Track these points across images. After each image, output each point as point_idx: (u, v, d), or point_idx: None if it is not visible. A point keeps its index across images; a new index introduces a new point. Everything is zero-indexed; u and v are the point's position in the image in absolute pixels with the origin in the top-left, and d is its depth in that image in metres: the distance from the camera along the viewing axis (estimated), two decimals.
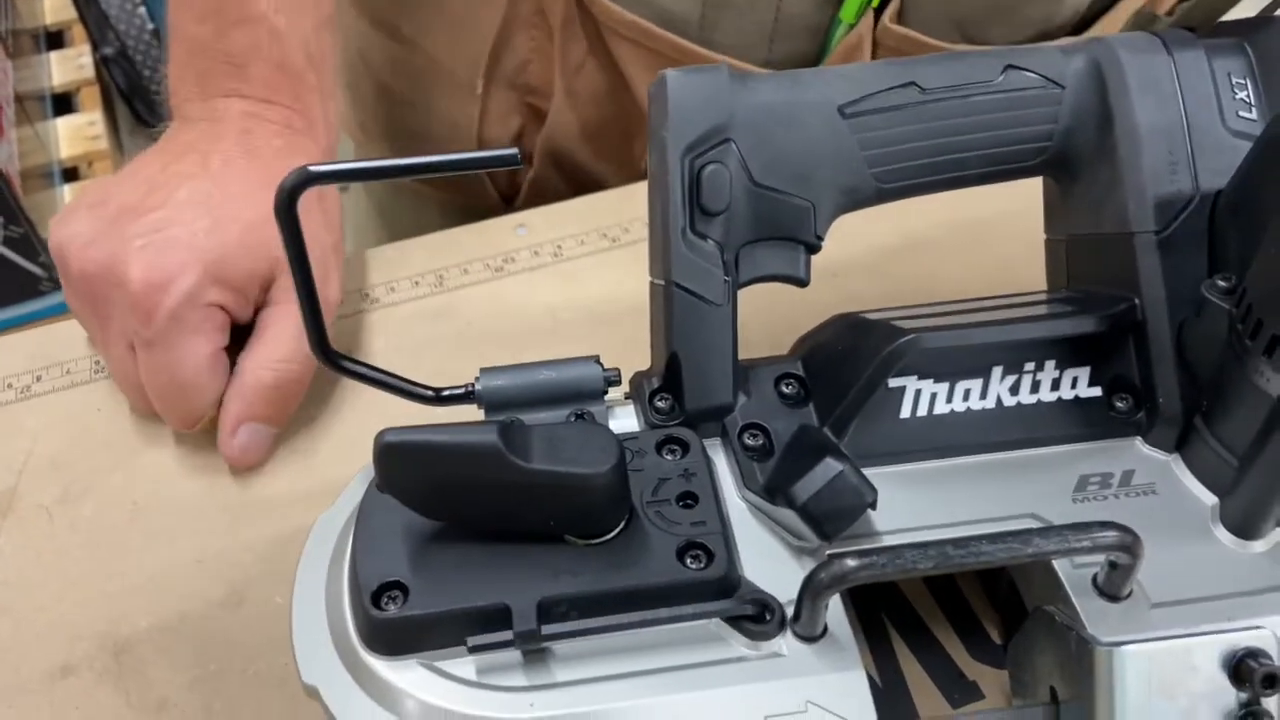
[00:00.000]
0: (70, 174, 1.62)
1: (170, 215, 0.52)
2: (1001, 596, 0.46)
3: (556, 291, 0.63)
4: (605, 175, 0.79)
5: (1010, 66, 0.44)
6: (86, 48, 1.77)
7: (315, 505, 0.43)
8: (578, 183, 0.79)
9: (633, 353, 0.47)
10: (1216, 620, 0.39)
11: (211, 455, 0.55)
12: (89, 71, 1.73)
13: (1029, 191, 0.49)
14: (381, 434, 0.36)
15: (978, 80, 0.44)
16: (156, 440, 0.56)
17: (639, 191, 0.69)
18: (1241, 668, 0.37)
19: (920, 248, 0.64)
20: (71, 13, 1.78)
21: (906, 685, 0.46)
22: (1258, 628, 0.38)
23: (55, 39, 1.79)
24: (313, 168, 0.35)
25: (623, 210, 0.68)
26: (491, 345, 0.61)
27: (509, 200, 0.82)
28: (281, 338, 0.54)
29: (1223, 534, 0.42)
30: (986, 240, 0.64)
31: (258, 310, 0.55)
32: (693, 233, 0.43)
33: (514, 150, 0.36)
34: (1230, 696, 0.38)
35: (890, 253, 0.64)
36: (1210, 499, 0.42)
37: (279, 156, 0.56)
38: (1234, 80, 0.44)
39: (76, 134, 1.65)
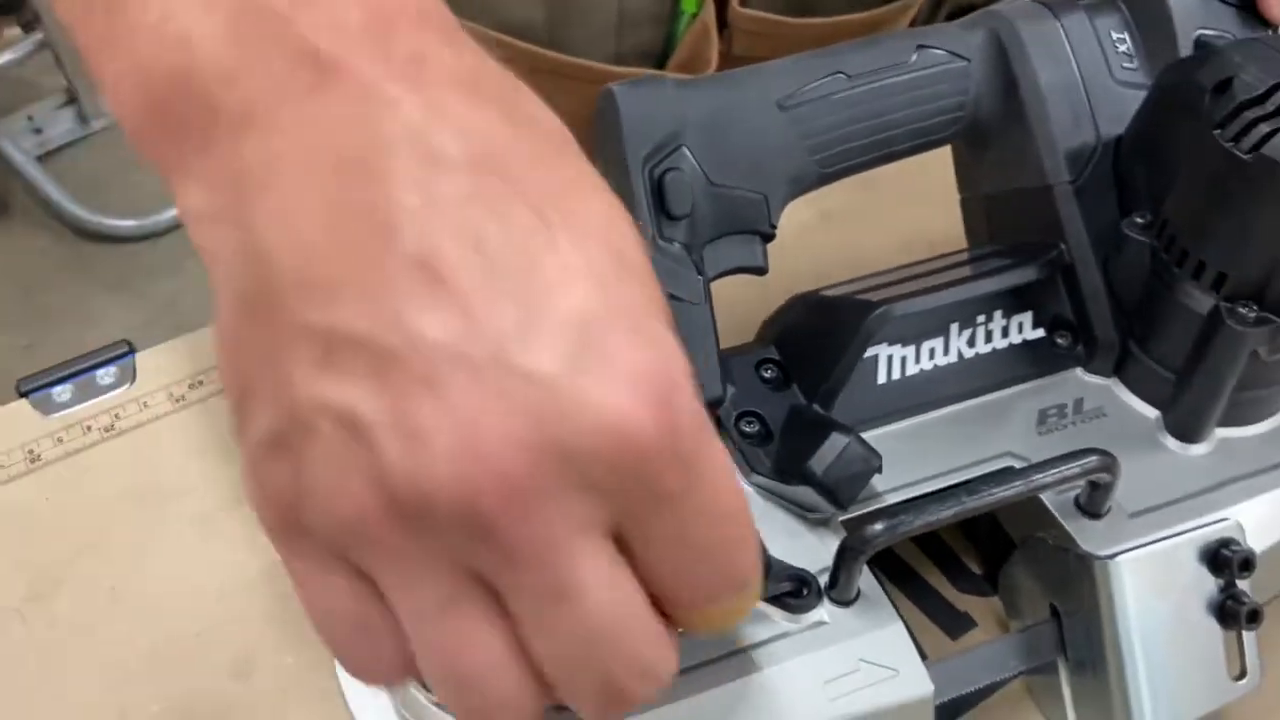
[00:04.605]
0: None
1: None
2: (982, 532, 0.50)
3: None
4: None
5: (921, 46, 0.48)
6: None
7: None
8: None
9: None
10: (1187, 519, 0.43)
11: (182, 524, 0.54)
12: None
13: (931, 157, 0.53)
14: None
15: (895, 63, 0.47)
16: (116, 520, 0.54)
17: None
18: (1218, 557, 0.42)
19: (833, 220, 0.67)
20: None
21: (909, 627, 0.49)
22: (1223, 520, 0.43)
23: None
24: None
25: None
26: None
27: None
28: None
29: (1170, 442, 0.46)
30: (896, 206, 0.67)
31: None
32: (661, 239, 0.45)
33: None
34: (1211, 584, 0.42)
35: (808, 229, 0.66)
36: (1152, 413, 0.47)
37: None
38: (1114, 36, 0.49)
39: None
